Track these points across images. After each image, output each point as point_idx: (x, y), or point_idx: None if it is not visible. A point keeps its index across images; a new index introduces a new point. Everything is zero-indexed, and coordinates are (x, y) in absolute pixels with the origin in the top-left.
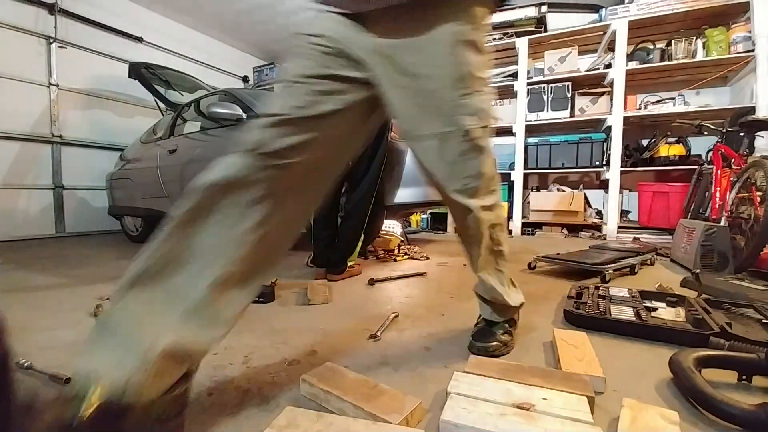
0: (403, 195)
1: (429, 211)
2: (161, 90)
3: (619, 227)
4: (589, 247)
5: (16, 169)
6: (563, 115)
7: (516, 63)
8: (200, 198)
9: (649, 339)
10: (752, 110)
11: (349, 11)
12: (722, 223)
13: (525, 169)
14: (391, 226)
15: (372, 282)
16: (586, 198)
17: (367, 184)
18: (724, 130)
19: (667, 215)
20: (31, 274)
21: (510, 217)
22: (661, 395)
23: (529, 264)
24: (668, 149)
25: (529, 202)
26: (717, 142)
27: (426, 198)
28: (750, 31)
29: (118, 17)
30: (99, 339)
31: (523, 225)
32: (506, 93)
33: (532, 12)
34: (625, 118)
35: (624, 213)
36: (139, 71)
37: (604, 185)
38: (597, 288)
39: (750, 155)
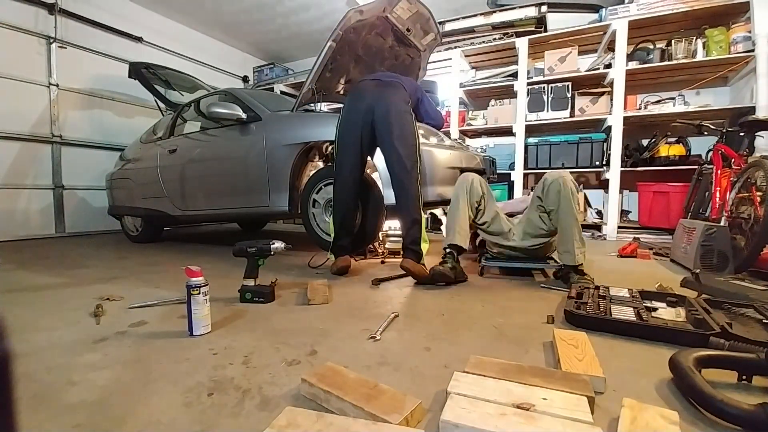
0: None
1: (429, 211)
2: (161, 90)
3: (619, 227)
4: None
5: (16, 169)
6: (563, 115)
7: (516, 63)
8: None
9: (649, 339)
10: (752, 110)
11: None
12: (722, 223)
13: (525, 169)
14: (391, 227)
15: (377, 282)
16: (586, 198)
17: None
18: (724, 130)
19: (667, 215)
20: (31, 274)
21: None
22: (661, 395)
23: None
24: (668, 149)
25: None
26: (717, 142)
27: (427, 198)
28: (750, 31)
29: (118, 17)
30: None
31: None
32: (506, 93)
33: (532, 12)
34: (625, 118)
35: (624, 213)
36: (139, 71)
37: (604, 185)
38: (597, 288)
39: (750, 155)
